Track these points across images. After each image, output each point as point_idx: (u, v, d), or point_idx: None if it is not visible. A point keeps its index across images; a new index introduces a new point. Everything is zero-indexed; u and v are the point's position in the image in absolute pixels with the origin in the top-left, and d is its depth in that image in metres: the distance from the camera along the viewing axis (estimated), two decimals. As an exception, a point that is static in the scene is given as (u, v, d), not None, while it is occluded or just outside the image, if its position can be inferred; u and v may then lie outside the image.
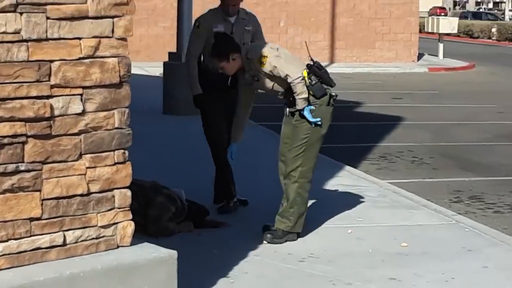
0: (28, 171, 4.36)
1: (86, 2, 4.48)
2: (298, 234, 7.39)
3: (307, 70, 7.12)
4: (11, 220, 4.33)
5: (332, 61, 28.55)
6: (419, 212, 8.54)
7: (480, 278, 6.45)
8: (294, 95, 7.11)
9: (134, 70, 18.45)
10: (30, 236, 4.40)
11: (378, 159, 12.17)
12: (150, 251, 4.80)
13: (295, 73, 7.04)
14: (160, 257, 4.74)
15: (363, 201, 8.87)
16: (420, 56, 30.56)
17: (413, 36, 29.59)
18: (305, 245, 7.23)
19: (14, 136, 4.29)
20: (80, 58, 4.48)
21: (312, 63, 7.26)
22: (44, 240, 4.45)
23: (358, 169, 11.01)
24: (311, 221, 7.79)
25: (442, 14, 69.06)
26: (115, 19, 4.60)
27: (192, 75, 8.36)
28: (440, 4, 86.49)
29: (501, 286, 6.29)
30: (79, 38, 4.47)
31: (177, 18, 16.22)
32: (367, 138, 13.85)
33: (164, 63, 16.77)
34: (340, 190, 9.44)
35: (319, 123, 7.21)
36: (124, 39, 4.67)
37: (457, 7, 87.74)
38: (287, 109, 7.34)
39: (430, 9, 77.06)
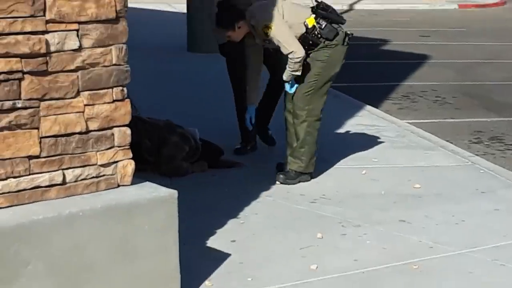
0: (25, 108, 4.32)
1: None
2: (311, 174, 7.36)
3: (313, 16, 7.07)
4: (9, 158, 4.31)
5: (357, -5, 28.25)
6: (436, 153, 8.49)
7: (490, 220, 6.42)
8: (287, 66, 7.13)
9: (161, 7, 18.78)
10: (29, 174, 4.38)
11: (401, 99, 12.08)
12: (150, 190, 4.77)
13: (296, 48, 7.01)
14: (160, 197, 4.72)
15: (380, 142, 8.83)
16: (451, -6, 30.19)
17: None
18: (318, 186, 7.23)
19: (10, 72, 4.25)
20: (76, -5, 4.42)
21: (316, 4, 7.22)
22: (43, 179, 4.43)
23: (379, 109, 10.97)
24: (325, 162, 7.79)
25: None
26: None
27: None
28: None
29: (510, 229, 6.22)
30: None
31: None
32: (391, 77, 13.73)
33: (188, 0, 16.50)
34: (358, 130, 9.40)
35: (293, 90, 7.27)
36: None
37: None
38: None
39: None
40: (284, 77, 7.24)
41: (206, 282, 5.11)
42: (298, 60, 7.02)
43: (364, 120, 9.91)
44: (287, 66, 7.18)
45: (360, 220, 6.36)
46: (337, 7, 24.98)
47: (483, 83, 13.55)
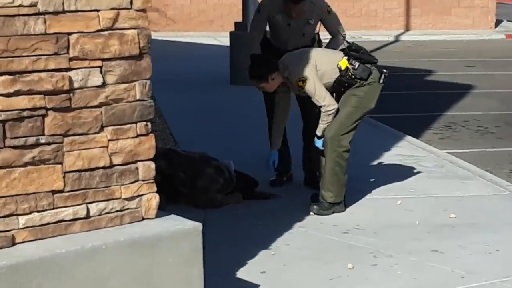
0: (48, 144, 4.36)
1: (104, -26, 4.46)
2: (344, 203, 7.35)
3: (346, 58, 7.13)
4: (34, 193, 4.35)
5: (407, 28, 28.10)
6: (474, 182, 8.40)
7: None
8: (320, 120, 7.25)
9: (207, 40, 18.87)
10: (53, 208, 4.41)
11: (442, 128, 11.97)
12: (174, 223, 4.77)
13: (328, 102, 7.14)
14: (184, 229, 4.71)
15: (417, 172, 8.76)
16: (498, 22, 29.81)
17: (490, 2, 28.83)
18: (352, 216, 7.20)
19: (34, 109, 4.30)
20: (98, 30, 4.44)
21: (348, 45, 7.34)
22: (67, 213, 4.46)
23: (420, 139, 10.88)
24: (361, 192, 7.79)
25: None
26: (135, -9, 4.55)
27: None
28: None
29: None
30: (97, 10, 4.43)
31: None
32: (433, 107, 13.61)
33: (230, 33, 16.54)
34: (396, 161, 9.32)
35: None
36: (143, 10, 4.60)
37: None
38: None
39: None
40: (318, 133, 7.31)
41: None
42: (331, 112, 7.16)
43: (403, 151, 9.85)
44: (320, 120, 7.27)
45: (392, 250, 6.31)
46: (384, 38, 25.33)
47: (527, 112, 13.38)
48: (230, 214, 7.23)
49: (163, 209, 6.65)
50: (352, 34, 25.56)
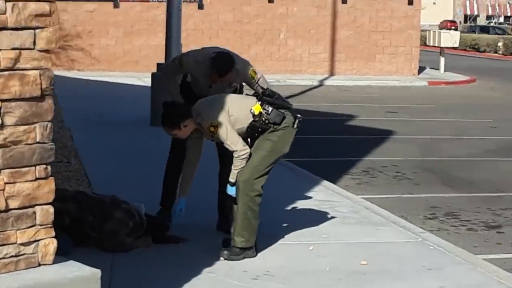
0: None
1: (5, 13, 4.36)
2: (255, 247, 7.28)
3: (259, 103, 7.14)
4: None
5: (332, 73, 28.50)
6: (387, 228, 8.41)
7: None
8: (233, 165, 7.25)
9: (132, 81, 18.89)
10: None
11: (360, 174, 12.05)
12: (73, 269, 4.66)
13: (239, 147, 7.14)
14: (82, 276, 4.61)
15: (332, 217, 8.74)
16: (421, 69, 30.46)
17: (414, 50, 29.45)
18: (263, 262, 7.11)
19: None
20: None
21: (262, 91, 7.42)
22: (-44, 260, 4.35)
23: (337, 184, 10.91)
24: (274, 237, 7.75)
25: (453, 27, 69.21)
26: (37, 30, 4.47)
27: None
28: (451, 18, 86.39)
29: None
30: None
31: (166, 29, 15.86)
32: (353, 152, 13.74)
33: (152, 74, 16.44)
34: (311, 206, 9.31)
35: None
36: (47, 51, 4.53)
37: (468, 21, 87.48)
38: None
39: (441, 22, 77.21)
40: (231, 179, 7.29)
41: None
42: (243, 157, 7.16)
43: (319, 195, 9.83)
44: (232, 166, 7.26)
45: (302, 300, 6.26)
46: (308, 82, 25.58)
47: (445, 159, 13.59)
48: (139, 258, 7.11)
49: (69, 253, 6.57)
50: (277, 78, 25.87)
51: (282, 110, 7.18)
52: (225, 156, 7.85)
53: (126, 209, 7.48)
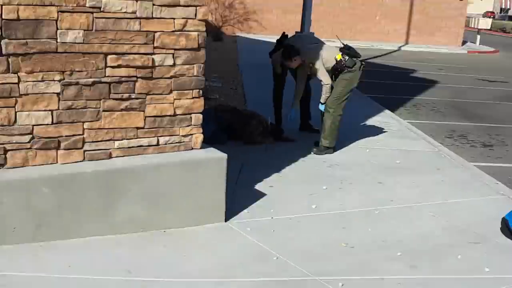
0: (137, 98, 4.41)
1: (179, -4, 4.40)
2: (334, 148, 7.21)
3: (340, 53, 7.01)
4: (125, 128, 4.41)
5: (407, 42, 27.34)
6: (418, 142, 8.15)
7: (435, 188, 6.13)
8: (322, 92, 7.18)
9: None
10: (136, 138, 4.47)
11: (410, 107, 11.61)
12: (211, 152, 4.73)
13: (326, 80, 7.08)
14: (215, 157, 4.68)
15: (385, 132, 8.56)
16: (464, 43, 28.84)
17: (460, 30, 27.87)
18: (336, 157, 7.08)
19: (129, 77, 4.35)
20: (173, 31, 4.44)
21: (343, 46, 7.14)
22: (145, 141, 4.52)
23: (394, 112, 10.57)
24: (347, 142, 7.66)
25: (492, 16, 65.32)
26: (198, 7, 4.49)
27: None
28: (491, 9, 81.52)
29: (445, 194, 5.94)
30: (174, 18, 4.42)
31: (303, 11, 15.44)
32: (409, 93, 13.21)
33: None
34: (375, 124, 9.08)
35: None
36: (203, 20, 4.55)
37: (502, 12, 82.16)
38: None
39: (484, 12, 72.68)
40: (322, 100, 7.22)
41: (245, 211, 5.07)
42: (327, 86, 7.11)
43: (380, 118, 9.60)
44: (322, 92, 7.19)
45: (353, 180, 6.20)
46: (390, 47, 24.69)
47: (468, 101, 12.87)
48: (264, 148, 7.16)
49: (224, 143, 6.68)
50: (372, 44, 25.26)
51: (354, 59, 7.01)
52: (307, 89, 7.89)
53: (259, 119, 7.53)
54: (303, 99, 7.75)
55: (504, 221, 5.03)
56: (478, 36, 30.01)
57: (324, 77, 7.08)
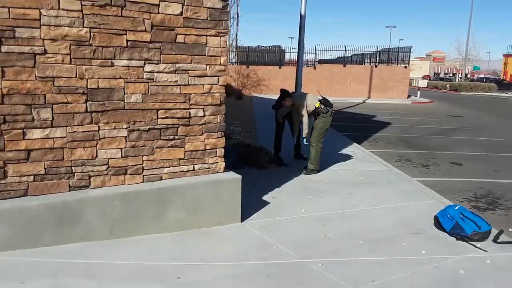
0: (179, 139, 4.40)
1: (206, 69, 4.41)
2: (318, 170, 7.10)
3: (319, 102, 6.93)
4: (171, 159, 4.40)
5: (369, 97, 27.26)
6: (376, 164, 8.02)
7: (388, 196, 6.01)
8: (302, 128, 7.05)
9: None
10: (179, 166, 4.45)
11: (371, 140, 11.47)
12: (230, 175, 4.70)
13: (305, 118, 6.96)
14: (233, 177, 4.64)
15: (353, 158, 8.43)
16: (409, 96, 28.67)
17: (406, 88, 27.61)
18: (319, 176, 6.95)
19: (173, 124, 4.35)
20: (203, 93, 4.45)
21: (321, 97, 7.08)
22: (185, 167, 4.50)
23: (360, 144, 10.46)
24: (326, 166, 7.52)
25: (428, 78, 65.10)
26: (219, 77, 4.51)
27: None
28: (427, 73, 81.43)
29: (395, 200, 5.83)
30: (203, 84, 4.44)
31: (296, 78, 15.52)
32: (370, 131, 13.09)
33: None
34: (346, 152, 8.98)
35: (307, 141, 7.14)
36: (223, 85, 4.56)
37: (434, 75, 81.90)
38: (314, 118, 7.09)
39: (423, 75, 72.42)
40: (304, 135, 7.10)
41: (255, 214, 5.00)
42: (305, 122, 6.99)
43: (350, 148, 9.49)
44: (302, 129, 7.07)
45: (333, 191, 6.10)
46: (357, 100, 24.59)
47: (411, 135, 12.67)
48: (269, 171, 7.10)
49: (242, 168, 6.62)
50: (344, 99, 25.19)
51: (328, 107, 6.94)
52: (295, 127, 7.69)
53: (265, 151, 7.48)
54: (296, 136, 7.75)
55: (435, 218, 4.94)
56: (419, 92, 29.81)
57: (304, 116, 6.98)
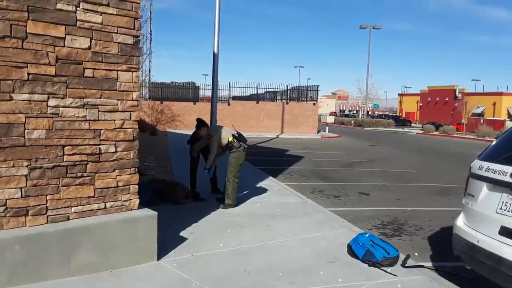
0: (87, 176, 4.14)
1: (117, 104, 4.26)
2: (235, 204, 7.06)
3: (232, 137, 6.99)
4: (79, 197, 4.11)
5: (282, 132, 28.25)
6: (292, 196, 8.20)
7: (304, 226, 6.13)
8: (208, 159, 7.10)
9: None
10: (88, 204, 4.17)
11: (286, 174, 11.77)
12: (145, 211, 4.49)
13: (212, 151, 7.05)
14: (149, 214, 4.44)
15: (269, 191, 8.54)
16: (318, 131, 30.21)
17: (315, 123, 29.08)
18: (236, 210, 6.92)
19: (81, 161, 4.09)
20: (114, 129, 4.26)
21: (235, 132, 7.16)
22: (95, 206, 4.23)
23: (275, 177, 10.65)
24: (243, 199, 7.54)
25: (335, 114, 69.12)
26: (132, 112, 4.36)
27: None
28: (334, 110, 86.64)
29: (311, 230, 5.95)
30: (114, 120, 4.26)
31: (211, 113, 15.57)
32: (284, 165, 13.46)
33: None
34: (262, 185, 9.07)
35: (211, 172, 7.33)
36: (136, 121, 4.41)
37: (340, 112, 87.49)
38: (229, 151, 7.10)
39: (330, 112, 76.88)
40: (206, 166, 7.15)
41: (172, 252, 4.81)
42: (211, 156, 7.07)
43: (266, 182, 9.63)
44: (208, 160, 7.10)
45: (251, 225, 6.07)
46: (271, 135, 25.26)
47: (323, 168, 13.25)
48: (186, 206, 6.94)
49: (157, 205, 6.38)
50: (257, 134, 25.77)
51: (241, 142, 7.02)
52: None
53: (182, 186, 7.32)
54: (213, 171, 7.71)
55: (349, 246, 5.10)
56: (327, 127, 31.63)
57: (212, 149, 6.99)
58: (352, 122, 47.51)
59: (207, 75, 58.34)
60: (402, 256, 4.93)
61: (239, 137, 7.01)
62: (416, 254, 5.41)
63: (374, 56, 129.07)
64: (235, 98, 29.60)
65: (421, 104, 65.89)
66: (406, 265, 4.72)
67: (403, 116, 65.76)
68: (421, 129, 42.01)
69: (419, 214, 7.70)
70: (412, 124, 57.33)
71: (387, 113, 74.96)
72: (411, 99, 70.42)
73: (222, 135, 7.01)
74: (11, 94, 3.66)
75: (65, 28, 3.89)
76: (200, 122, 7.35)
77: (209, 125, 14.65)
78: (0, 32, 3.58)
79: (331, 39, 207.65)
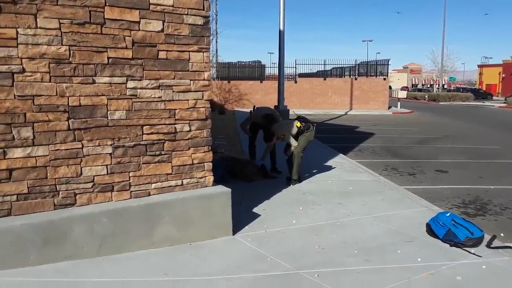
0: (165, 154, 4.33)
1: (190, 85, 4.38)
2: (300, 180, 7.09)
3: (298, 122, 7.07)
4: (158, 174, 4.32)
5: (351, 109, 27.62)
6: (364, 174, 8.05)
7: (378, 204, 6.00)
8: (292, 147, 7.05)
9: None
10: (167, 181, 4.37)
11: (356, 151, 11.52)
12: (219, 188, 4.63)
13: (294, 145, 6.99)
14: (223, 191, 4.57)
15: (340, 168, 8.43)
16: (389, 107, 29.17)
17: (386, 99, 28.08)
18: (306, 186, 6.93)
19: (159, 140, 4.27)
20: (188, 108, 4.39)
21: (298, 116, 7.30)
22: (173, 182, 4.42)
23: (346, 155, 10.48)
24: (314, 177, 7.53)
25: (406, 89, 66.39)
26: (204, 92, 4.47)
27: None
28: (405, 85, 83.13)
29: (385, 208, 5.82)
30: (187, 100, 4.38)
31: (278, 91, 15.54)
32: (354, 142, 13.20)
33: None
34: (332, 163, 8.95)
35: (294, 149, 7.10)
36: (208, 100, 4.50)
37: (413, 86, 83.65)
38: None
39: (402, 87, 73.81)
40: (288, 153, 7.13)
41: (246, 227, 4.93)
42: (294, 147, 7.02)
43: (336, 159, 9.50)
44: (292, 149, 7.05)
45: (323, 202, 6.06)
46: (340, 112, 24.85)
47: (395, 145, 12.81)
48: (256, 184, 7.05)
49: (229, 182, 6.55)
50: (326, 111, 25.52)
51: (309, 124, 7.04)
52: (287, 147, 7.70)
53: (252, 164, 7.44)
54: (272, 152, 7.79)
55: (428, 225, 4.93)
56: (399, 103, 30.36)
57: (293, 143, 7.02)
58: (426, 96, 45.29)
59: (272, 53, 58.01)
60: (487, 237, 4.68)
61: (304, 120, 7.12)
62: (502, 234, 5.11)
63: (450, 25, 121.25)
64: (301, 75, 29.31)
65: (503, 75, 61.10)
66: (492, 246, 4.48)
67: (483, 89, 61.48)
68: (504, 102, 39.07)
69: (505, 192, 7.24)
70: (494, 97, 53.50)
71: (464, 86, 70.57)
72: (492, 71, 65.45)
73: (290, 128, 7.09)
74: (93, 77, 3.89)
75: (139, 12, 4.03)
76: (271, 119, 7.55)
77: (277, 104, 14.99)
78: (81, 18, 3.78)
79: (401, 9, 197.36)
